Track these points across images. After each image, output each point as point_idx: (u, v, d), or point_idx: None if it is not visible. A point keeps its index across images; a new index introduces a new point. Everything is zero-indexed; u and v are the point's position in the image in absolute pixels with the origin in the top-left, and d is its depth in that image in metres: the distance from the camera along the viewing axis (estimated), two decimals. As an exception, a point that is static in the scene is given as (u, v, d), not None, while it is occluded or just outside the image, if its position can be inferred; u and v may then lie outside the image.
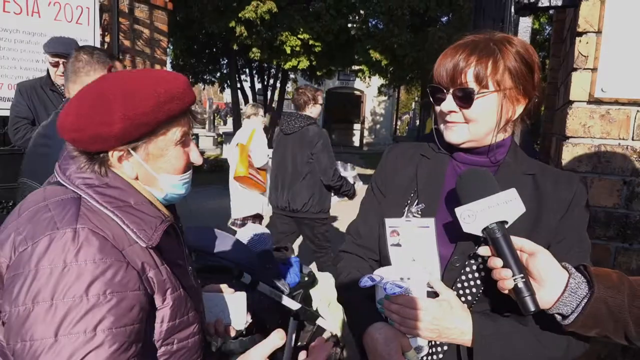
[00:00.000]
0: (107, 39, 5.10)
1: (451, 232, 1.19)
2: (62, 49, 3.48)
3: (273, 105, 18.95)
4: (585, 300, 0.99)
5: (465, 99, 1.15)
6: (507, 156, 1.23)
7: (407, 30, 13.21)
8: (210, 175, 12.89)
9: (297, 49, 13.56)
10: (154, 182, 1.14)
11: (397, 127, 32.71)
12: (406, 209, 1.28)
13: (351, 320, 1.31)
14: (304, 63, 14.15)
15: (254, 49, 13.76)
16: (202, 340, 1.24)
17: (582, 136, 1.63)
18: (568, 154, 1.64)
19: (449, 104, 1.17)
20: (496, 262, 1.04)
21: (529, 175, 1.22)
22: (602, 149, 1.61)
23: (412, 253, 1.21)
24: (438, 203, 1.24)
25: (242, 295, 1.46)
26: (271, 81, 19.37)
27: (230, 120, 24.98)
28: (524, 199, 1.09)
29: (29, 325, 0.91)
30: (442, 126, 1.24)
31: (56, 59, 3.52)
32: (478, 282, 1.15)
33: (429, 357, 1.18)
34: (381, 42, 13.38)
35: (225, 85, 18.33)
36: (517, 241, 1.06)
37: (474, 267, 1.16)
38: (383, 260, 1.29)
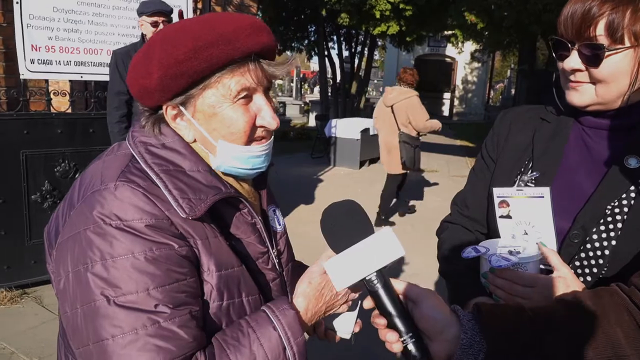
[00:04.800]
0: (200, 4, 5.12)
1: (570, 203, 1.07)
2: (162, 7, 3.37)
3: (360, 74, 18.58)
4: (482, 356, 0.85)
5: (592, 56, 0.99)
6: None
7: (507, -11, 12.20)
8: (296, 143, 13.12)
9: (387, 13, 13.06)
10: (212, 149, 0.99)
11: (490, 96, 31.07)
12: (518, 177, 1.17)
13: (452, 292, 1.24)
14: (393, 28, 13.65)
15: (343, 14, 13.46)
16: None
17: None
18: None
19: (573, 61, 1.03)
20: (379, 322, 0.88)
21: None
22: None
23: (523, 226, 1.10)
24: (556, 171, 1.12)
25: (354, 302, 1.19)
26: (359, 48, 18.98)
27: (316, 88, 24.99)
28: None
29: (77, 293, 0.85)
30: (564, 86, 1.10)
31: (155, 19, 3.41)
32: (600, 261, 1.02)
33: None
34: (477, 4, 12.47)
35: (313, 53, 18.22)
36: (400, 287, 0.90)
37: (597, 245, 1.02)
38: (492, 233, 1.20)
